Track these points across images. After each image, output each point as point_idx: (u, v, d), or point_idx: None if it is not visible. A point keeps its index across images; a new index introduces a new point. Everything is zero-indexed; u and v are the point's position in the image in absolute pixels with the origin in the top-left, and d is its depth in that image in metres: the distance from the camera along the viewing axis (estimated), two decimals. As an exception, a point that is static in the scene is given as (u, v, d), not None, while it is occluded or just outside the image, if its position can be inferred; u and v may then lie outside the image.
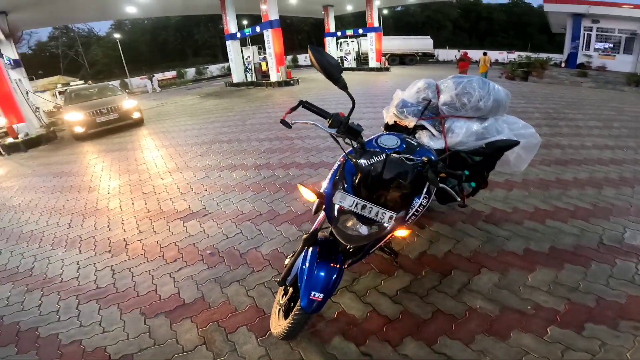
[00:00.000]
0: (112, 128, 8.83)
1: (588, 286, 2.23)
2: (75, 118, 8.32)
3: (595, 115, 7.49)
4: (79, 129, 8.31)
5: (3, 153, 8.02)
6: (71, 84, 16.83)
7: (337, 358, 1.88)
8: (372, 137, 1.91)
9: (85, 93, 9.98)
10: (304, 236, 1.74)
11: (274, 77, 16.27)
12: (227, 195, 4.05)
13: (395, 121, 2.54)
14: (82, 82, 18.23)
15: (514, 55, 23.90)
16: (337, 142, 1.70)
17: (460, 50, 23.61)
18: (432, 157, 1.75)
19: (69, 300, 2.55)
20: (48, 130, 9.50)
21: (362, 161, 1.60)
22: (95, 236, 3.46)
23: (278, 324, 1.85)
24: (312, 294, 1.55)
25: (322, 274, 1.61)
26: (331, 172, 1.82)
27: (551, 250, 2.62)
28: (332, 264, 1.65)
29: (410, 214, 1.69)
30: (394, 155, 1.61)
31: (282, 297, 1.93)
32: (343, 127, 1.58)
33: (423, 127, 2.36)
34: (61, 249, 3.31)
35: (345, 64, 24.91)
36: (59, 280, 2.82)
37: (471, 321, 2.03)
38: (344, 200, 1.50)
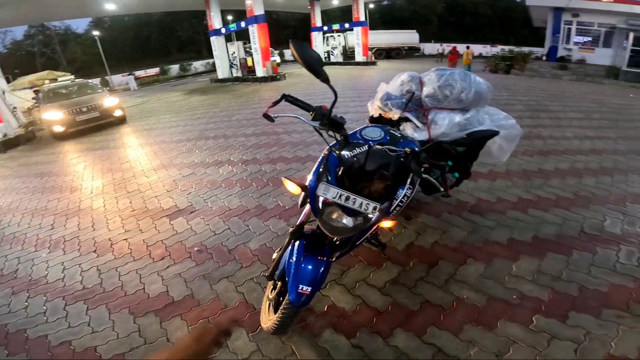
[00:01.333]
0: (93, 127, 8.59)
1: (571, 275, 2.30)
2: (54, 117, 8.08)
3: (575, 107, 7.67)
4: (59, 128, 8.09)
5: (-20, 155, 7.74)
6: (59, 79, 15.94)
7: (328, 351, 1.89)
8: (357, 129, 1.94)
9: (63, 91, 9.67)
10: (290, 229, 1.74)
11: (260, 72, 16.13)
12: (214, 191, 4.01)
13: (380, 114, 2.57)
14: (72, 76, 17.36)
15: (497, 49, 24.20)
16: (321, 134, 1.70)
17: (443, 45, 23.88)
18: (415, 148, 1.76)
19: (56, 302, 2.50)
20: (27, 131, 9.23)
21: (345, 153, 1.62)
22: (79, 236, 3.39)
23: (268, 319, 1.85)
24: (299, 288, 1.55)
25: (310, 267, 1.61)
26: (316, 165, 1.82)
27: (534, 239, 2.69)
28: (319, 257, 1.64)
29: (394, 205, 1.71)
30: (377, 146, 1.63)
31: (271, 291, 1.93)
32: (326, 119, 1.58)
33: (407, 119, 2.40)
34: (45, 250, 3.24)
35: (332, 59, 24.86)
36: (44, 282, 2.75)
37: (459, 311, 2.07)
38: (328, 192, 1.50)
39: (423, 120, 2.33)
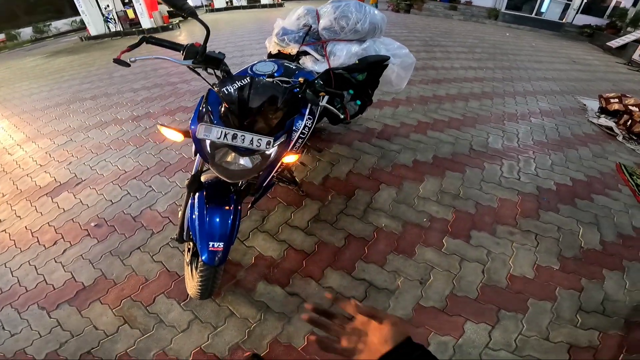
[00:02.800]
0: None
1: (466, 192, 2.64)
2: None
3: (462, 42, 8.48)
4: None
5: None
6: None
7: (266, 304, 1.91)
8: (248, 65, 1.85)
9: None
10: (186, 182, 1.57)
11: (146, 23, 13.84)
12: (102, 155, 3.45)
13: (278, 50, 2.54)
14: None
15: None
16: (198, 74, 1.56)
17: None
18: (310, 78, 1.70)
19: None
20: None
21: (227, 88, 1.45)
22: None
23: (192, 285, 1.75)
24: (210, 245, 1.43)
25: (217, 219, 1.48)
26: (195, 107, 1.66)
27: (434, 159, 3.04)
28: (225, 207, 1.52)
29: (295, 138, 1.66)
30: (263, 78, 1.52)
31: (187, 254, 1.82)
32: (200, 56, 1.45)
33: (306, 53, 2.44)
34: None
35: (235, 2, 22.40)
36: None
37: (380, 242, 2.24)
38: (210, 133, 1.35)
39: (322, 52, 2.38)
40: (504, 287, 2.00)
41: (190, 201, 1.58)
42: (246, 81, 1.43)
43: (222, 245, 1.43)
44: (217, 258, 1.44)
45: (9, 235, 2.56)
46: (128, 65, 1.39)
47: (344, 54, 2.31)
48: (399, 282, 2.01)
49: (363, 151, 3.10)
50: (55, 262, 2.28)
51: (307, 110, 1.63)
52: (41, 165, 3.46)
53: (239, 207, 1.58)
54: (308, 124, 1.65)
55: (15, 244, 2.48)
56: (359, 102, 2.31)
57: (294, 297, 1.94)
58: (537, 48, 8.76)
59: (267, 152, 1.43)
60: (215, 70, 1.51)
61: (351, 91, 1.98)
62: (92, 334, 1.85)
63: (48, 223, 2.62)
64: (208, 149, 1.41)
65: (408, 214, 2.44)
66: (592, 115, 4.33)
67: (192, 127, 1.47)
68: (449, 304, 1.91)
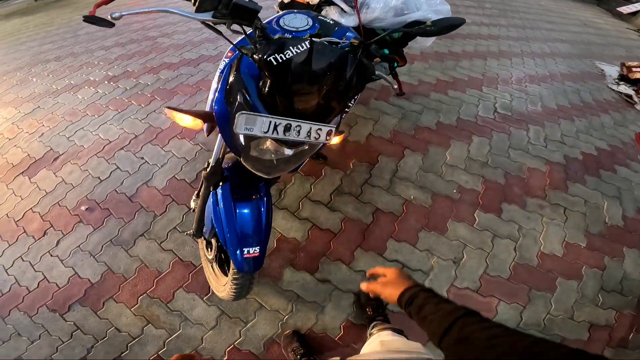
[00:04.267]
0: None
1: (495, 159, 2.46)
2: None
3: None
4: None
5: None
6: None
7: (296, 294, 1.81)
8: (269, 19, 1.35)
9: None
10: (203, 173, 1.28)
11: None
12: (78, 123, 2.97)
13: None
14: None
15: None
16: (220, 33, 1.05)
17: None
18: (355, 37, 1.33)
19: None
20: None
21: (276, 56, 0.97)
22: None
23: (220, 285, 1.57)
24: (245, 252, 1.21)
25: (249, 220, 1.23)
26: (216, 78, 1.30)
27: (458, 121, 2.76)
28: (254, 196, 1.25)
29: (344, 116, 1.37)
30: (318, 40, 1.06)
31: (208, 251, 1.62)
32: (225, 7, 0.94)
33: (330, 3, 1.86)
34: None
35: None
36: None
37: (410, 216, 2.10)
38: (254, 125, 0.94)
39: (351, 3, 1.83)
40: (535, 265, 1.97)
41: (211, 197, 1.30)
42: (305, 46, 0.97)
43: (257, 250, 1.22)
44: (252, 265, 1.25)
45: (-9, 227, 2.27)
46: (110, 24, 0.91)
47: (379, 6, 1.78)
48: (433, 262, 1.94)
49: (382, 111, 2.77)
50: (51, 256, 2.07)
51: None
52: (9, 139, 2.97)
53: (270, 195, 1.32)
54: (356, 97, 1.33)
55: (0, 236, 2.22)
56: (395, 64, 1.92)
57: (326, 284, 1.84)
58: (546, 7, 7.91)
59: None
60: (245, 27, 1.01)
61: (386, 50, 1.58)
62: (117, 337, 1.75)
63: (31, 209, 2.32)
64: (242, 140, 1.07)
65: (437, 184, 2.27)
66: (611, 81, 4.11)
67: (218, 107, 1.14)
68: (483, 285, 1.87)
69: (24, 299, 1.93)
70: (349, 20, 1.82)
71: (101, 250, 2.05)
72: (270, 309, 1.77)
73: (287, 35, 1.07)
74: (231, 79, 1.11)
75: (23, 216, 2.29)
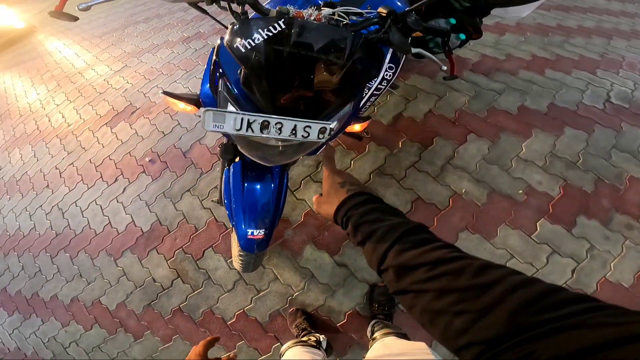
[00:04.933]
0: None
1: (588, 161, 1.82)
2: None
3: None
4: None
5: None
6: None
7: (311, 272, 1.74)
8: None
9: None
10: (218, 149, 1.23)
11: None
12: (154, 81, 3.21)
13: None
14: None
15: None
16: (205, 12, 0.97)
17: None
18: (398, 6, 1.08)
19: (43, 257, 2.37)
20: None
21: (243, 41, 0.80)
22: (27, 172, 2.98)
23: (235, 255, 1.56)
24: (249, 233, 1.16)
25: (257, 201, 1.16)
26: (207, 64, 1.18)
27: (551, 108, 2.07)
28: (268, 180, 1.17)
29: (365, 100, 1.15)
30: (316, 16, 0.85)
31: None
32: None
33: None
34: (6, 198, 2.92)
35: None
36: (21, 236, 2.58)
37: (455, 212, 1.75)
38: (223, 122, 0.77)
39: None
40: (589, 292, 1.51)
41: (225, 173, 1.26)
42: (279, 27, 0.78)
43: (262, 233, 1.17)
44: (255, 247, 1.20)
45: (77, 169, 2.70)
46: (74, 18, 0.84)
47: None
48: None
49: (450, 86, 2.26)
50: (117, 202, 2.35)
51: (389, 57, 1.07)
52: (100, 93, 3.41)
53: (285, 179, 1.23)
54: (388, 77, 1.10)
55: (82, 179, 2.61)
56: (462, 36, 1.40)
57: (342, 268, 1.71)
58: None
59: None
60: (235, 5, 0.87)
61: (452, 20, 1.17)
62: (151, 287, 1.95)
63: (109, 157, 2.65)
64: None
65: (499, 180, 1.80)
66: None
67: (202, 94, 1.07)
68: None
69: (91, 241, 2.25)
70: None
71: (155, 201, 2.24)
72: (284, 283, 1.75)
73: (291, 7, 0.86)
74: (214, 64, 0.99)
75: (102, 162, 2.64)
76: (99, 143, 2.80)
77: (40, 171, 2.90)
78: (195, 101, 1.19)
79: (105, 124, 2.95)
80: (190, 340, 1.79)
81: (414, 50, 0.97)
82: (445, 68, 1.10)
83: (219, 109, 0.78)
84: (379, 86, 1.12)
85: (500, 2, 1.18)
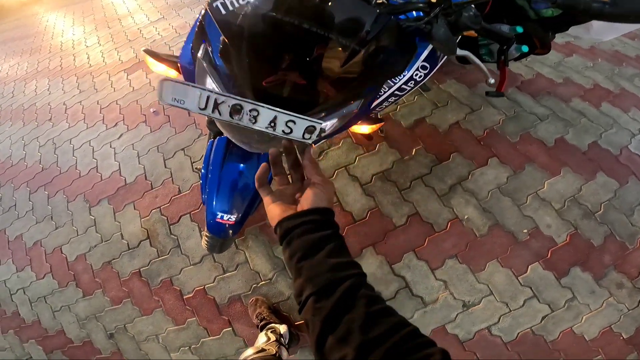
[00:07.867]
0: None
1: (608, 214, 1.56)
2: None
3: None
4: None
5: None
6: None
7: (283, 265, 1.60)
8: None
9: None
10: (207, 120, 1.14)
11: None
12: (184, 36, 3.10)
13: None
14: None
15: None
16: None
17: None
18: None
19: (22, 191, 2.31)
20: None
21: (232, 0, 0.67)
22: (36, 103, 2.97)
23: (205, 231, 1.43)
24: (218, 216, 1.02)
25: (232, 181, 1.03)
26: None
27: (592, 147, 1.78)
28: (249, 161, 1.03)
29: (381, 100, 0.93)
30: None
31: None
32: None
33: None
34: (8, 123, 2.91)
35: None
36: (9, 164, 2.54)
37: (449, 238, 1.56)
38: (185, 97, 0.59)
39: None
40: (548, 340, 1.45)
41: (208, 145, 1.12)
42: None
43: (233, 219, 1.03)
44: (223, 232, 1.07)
45: (82, 108, 2.63)
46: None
47: None
48: (441, 296, 1.48)
49: (488, 101, 2.00)
50: (110, 147, 2.25)
51: (425, 54, 0.86)
52: (130, 41, 3.35)
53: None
54: (417, 77, 0.89)
55: (84, 118, 2.53)
56: (525, 48, 1.18)
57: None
58: None
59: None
60: None
61: (519, 28, 0.95)
62: (117, 243, 1.84)
63: (116, 101, 2.56)
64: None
65: (508, 214, 1.56)
66: None
67: (181, 58, 0.90)
68: (474, 339, 1.47)
69: (73, 182, 2.16)
70: None
71: (146, 153, 2.13)
72: (252, 269, 1.61)
73: None
74: (198, 25, 0.82)
75: (108, 105, 2.55)
76: (111, 87, 2.72)
77: (48, 104, 2.87)
78: (174, 65, 1.04)
79: (124, 70, 2.87)
80: (140, 307, 1.66)
81: (459, 52, 0.79)
82: (492, 81, 0.92)
83: (179, 81, 0.59)
84: (403, 86, 0.91)
85: (607, 14, 0.92)
